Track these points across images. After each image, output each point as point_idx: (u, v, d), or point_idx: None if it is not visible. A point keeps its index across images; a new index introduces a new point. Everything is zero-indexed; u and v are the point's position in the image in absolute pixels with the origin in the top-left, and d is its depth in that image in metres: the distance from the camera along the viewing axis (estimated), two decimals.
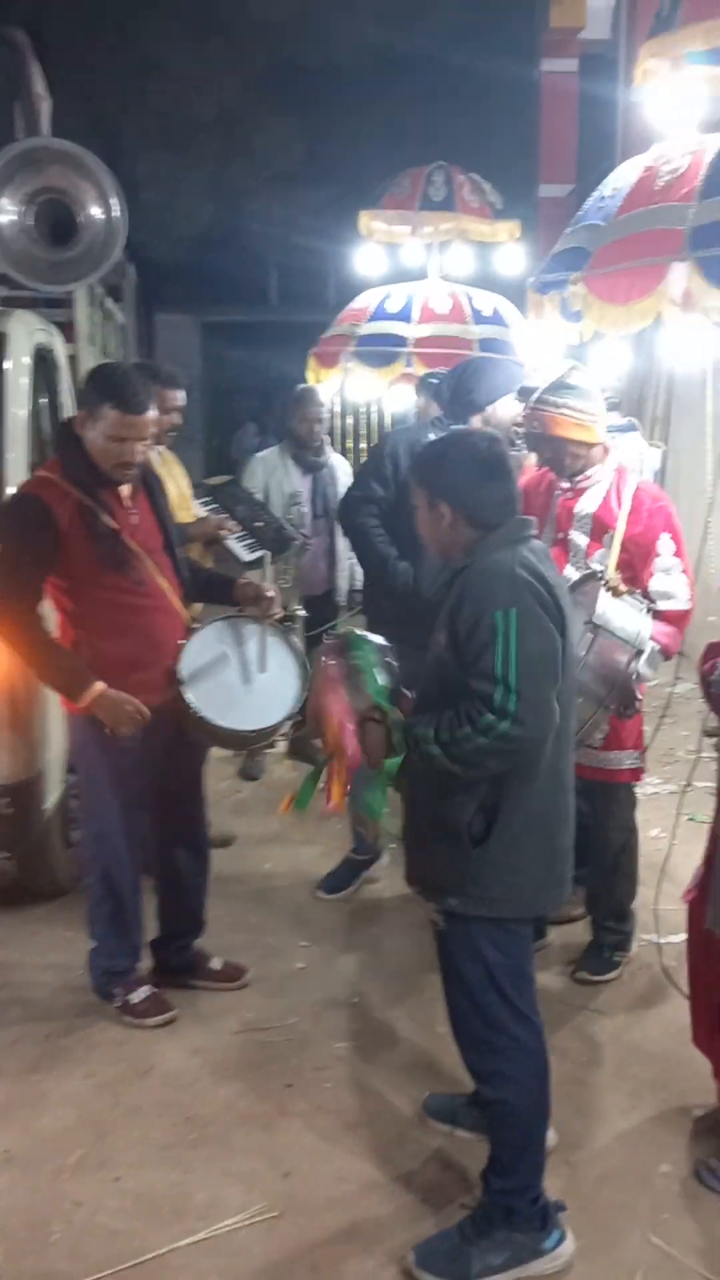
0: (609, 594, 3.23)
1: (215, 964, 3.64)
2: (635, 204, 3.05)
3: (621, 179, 3.19)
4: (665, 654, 3.34)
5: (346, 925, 4.07)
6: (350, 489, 4.22)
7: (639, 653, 3.20)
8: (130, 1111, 3.02)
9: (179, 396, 4.11)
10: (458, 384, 3.83)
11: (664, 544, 3.40)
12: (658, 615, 3.34)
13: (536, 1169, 2.52)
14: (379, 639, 2.54)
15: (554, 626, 2.29)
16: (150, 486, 3.31)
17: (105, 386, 3.06)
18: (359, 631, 2.54)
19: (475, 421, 3.70)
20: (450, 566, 2.45)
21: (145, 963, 3.56)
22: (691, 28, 3.01)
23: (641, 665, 3.26)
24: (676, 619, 3.38)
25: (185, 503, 4.73)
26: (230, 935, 3.85)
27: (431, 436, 3.91)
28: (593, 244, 3.12)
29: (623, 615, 3.21)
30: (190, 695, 3.18)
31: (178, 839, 3.54)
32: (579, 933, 3.88)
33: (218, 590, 3.50)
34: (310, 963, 3.79)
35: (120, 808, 3.31)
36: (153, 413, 3.10)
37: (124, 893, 3.38)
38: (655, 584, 3.39)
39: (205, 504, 4.70)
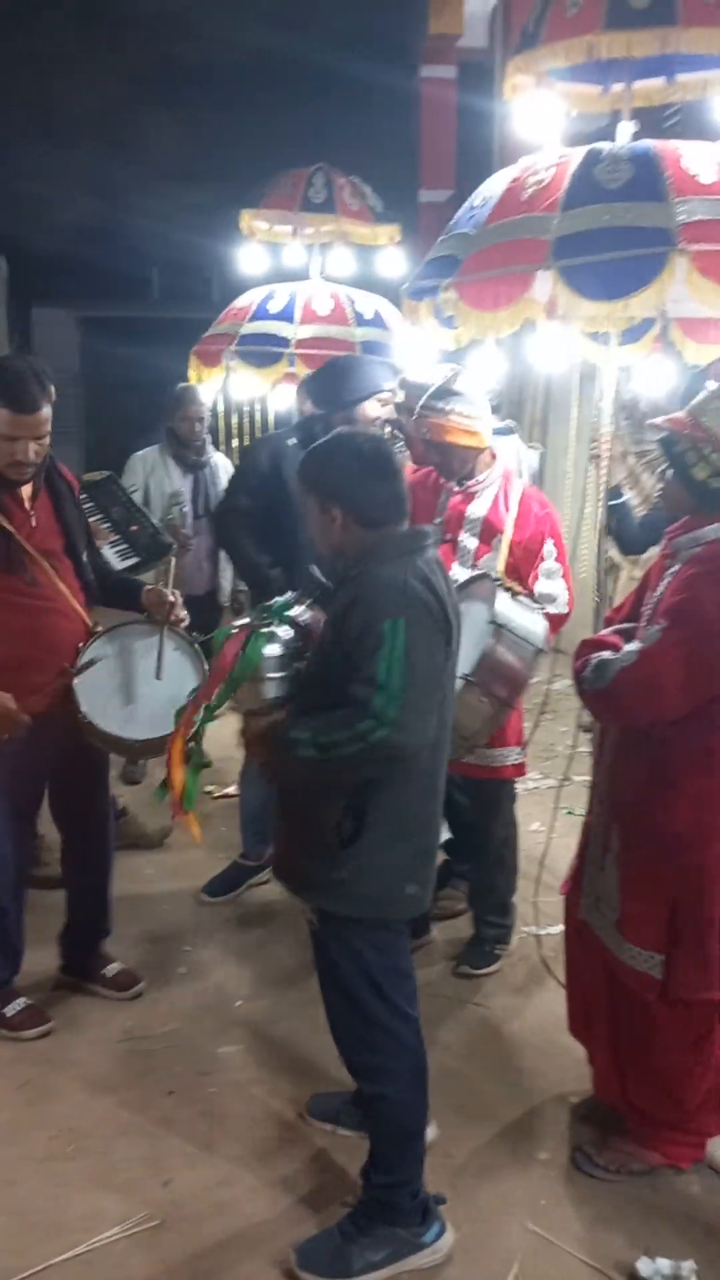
0: (507, 595, 3.29)
1: (110, 970, 3.59)
2: (503, 214, 3.11)
3: (490, 189, 3.26)
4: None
5: (231, 929, 4.05)
6: (220, 502, 4.28)
7: (539, 651, 3.27)
8: (6, 1126, 2.95)
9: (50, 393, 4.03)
10: (322, 382, 3.87)
11: (549, 549, 3.49)
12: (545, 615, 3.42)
13: (416, 1163, 2.55)
14: (282, 642, 2.47)
15: (441, 640, 2.32)
16: (55, 488, 3.25)
17: None
18: (267, 630, 2.48)
19: (338, 419, 3.74)
20: (342, 571, 2.44)
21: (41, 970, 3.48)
22: (554, 45, 3.09)
23: None
24: (556, 621, 3.46)
25: None
26: (111, 943, 3.79)
27: (291, 442, 3.98)
28: (463, 252, 3.17)
29: (522, 615, 3.28)
30: (81, 701, 3.13)
31: (82, 842, 3.50)
32: (462, 928, 3.94)
33: (125, 595, 3.45)
34: (193, 968, 3.76)
35: (3, 815, 3.23)
36: (46, 410, 3.04)
37: (4, 902, 3.30)
38: (540, 587, 3.47)
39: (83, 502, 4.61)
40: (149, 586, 3.42)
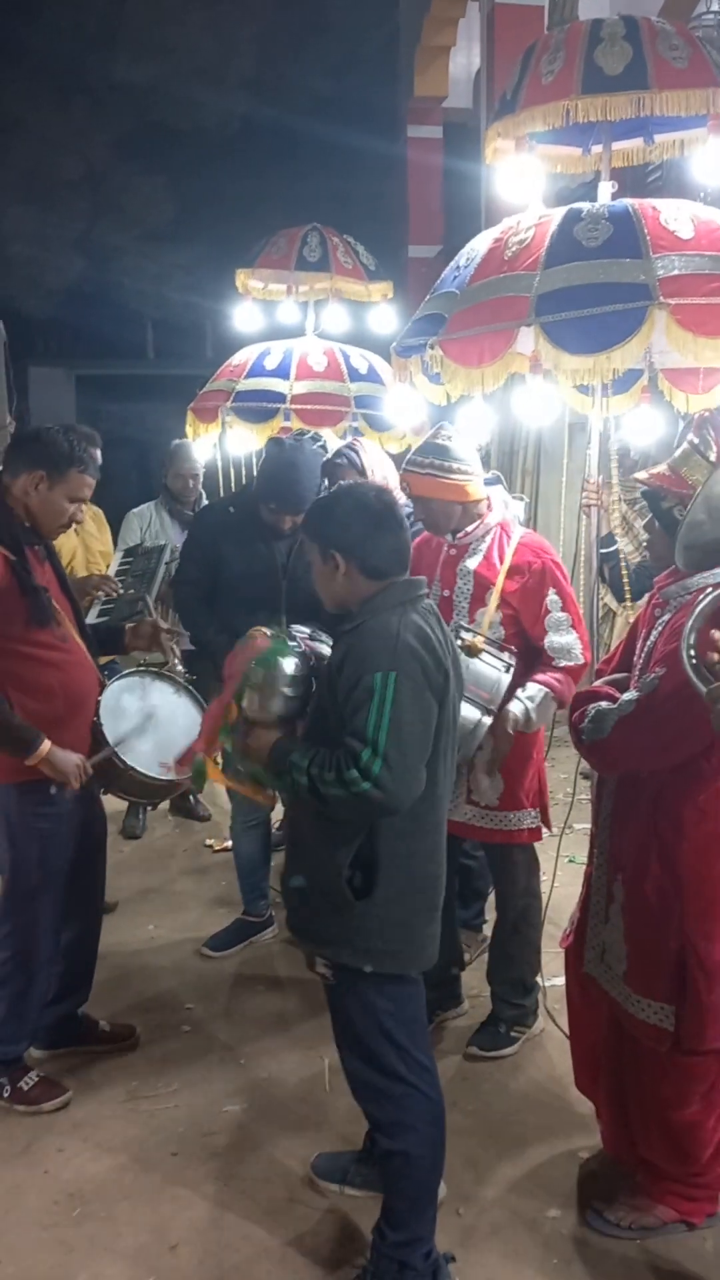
0: (464, 654, 3.21)
1: (105, 1026, 3.58)
2: (486, 273, 3.18)
3: (474, 249, 3.33)
4: (560, 702, 3.35)
5: (233, 983, 4.02)
6: (175, 573, 4.43)
7: (489, 713, 3.23)
8: (9, 1191, 2.91)
9: (97, 455, 4.32)
10: (264, 467, 4.05)
11: (551, 600, 3.39)
12: (561, 669, 3.37)
13: (429, 1221, 2.52)
14: (298, 657, 2.52)
15: (433, 693, 2.32)
16: (49, 548, 3.31)
17: (73, 453, 3.12)
18: (282, 641, 2.52)
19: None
20: (340, 626, 2.46)
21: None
22: (532, 110, 3.19)
23: (533, 712, 3.31)
24: (575, 672, 3.38)
25: (105, 558, 5.07)
26: (113, 1001, 3.77)
27: (231, 509, 4.13)
28: (448, 310, 3.24)
29: (477, 677, 3.23)
30: (122, 751, 3.16)
31: (79, 903, 3.44)
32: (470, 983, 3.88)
33: (109, 641, 3.53)
34: (196, 1025, 3.73)
35: (51, 880, 3.22)
36: None
37: (36, 973, 3.26)
38: (550, 641, 3.38)
39: (122, 562, 4.97)
40: (131, 624, 3.51)
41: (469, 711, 3.15)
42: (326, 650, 2.59)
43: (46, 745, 3.02)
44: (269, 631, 2.57)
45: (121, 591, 4.35)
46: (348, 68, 14.79)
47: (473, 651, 3.26)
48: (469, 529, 3.48)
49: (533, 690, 3.34)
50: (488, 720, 3.24)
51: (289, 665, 2.48)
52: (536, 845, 3.61)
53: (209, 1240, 2.73)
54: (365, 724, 2.23)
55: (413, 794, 2.30)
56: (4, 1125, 3.17)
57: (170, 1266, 2.64)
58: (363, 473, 4.12)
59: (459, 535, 3.50)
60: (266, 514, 3.93)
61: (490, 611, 3.39)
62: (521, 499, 3.71)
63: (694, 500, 2.43)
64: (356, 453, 4.14)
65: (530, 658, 3.43)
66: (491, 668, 3.29)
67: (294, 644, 2.54)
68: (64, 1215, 2.82)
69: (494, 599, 3.40)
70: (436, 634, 2.39)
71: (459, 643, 3.24)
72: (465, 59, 12.43)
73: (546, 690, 3.35)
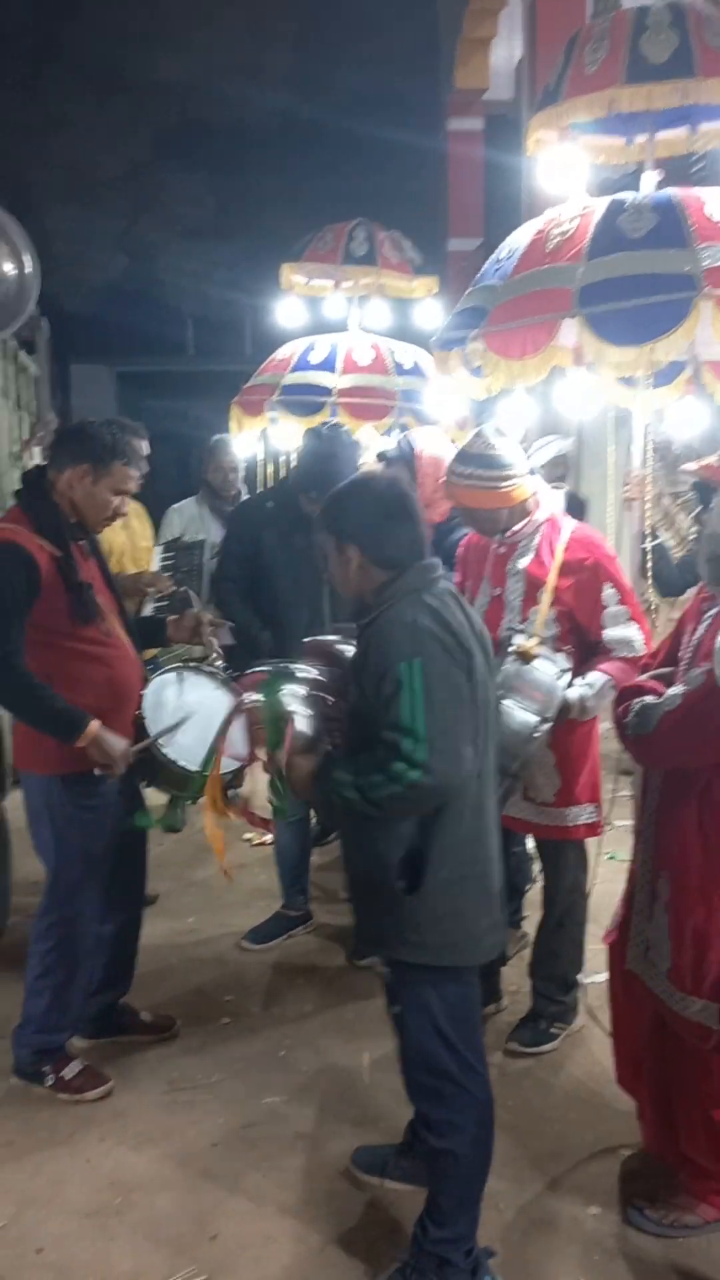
0: (518, 661, 3.19)
1: (146, 1016, 3.61)
2: (528, 265, 3.16)
3: (516, 242, 3.31)
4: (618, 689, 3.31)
5: (273, 976, 4.03)
6: (215, 570, 4.46)
7: (545, 721, 3.17)
8: (52, 1180, 2.94)
9: (144, 447, 4.35)
10: (304, 457, 4.08)
11: (608, 594, 3.33)
12: (622, 659, 3.31)
13: (473, 1220, 2.51)
14: (299, 686, 2.53)
15: (462, 672, 2.31)
16: (93, 542, 3.34)
17: (116, 445, 3.17)
18: (282, 671, 2.53)
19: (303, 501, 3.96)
20: (360, 619, 2.46)
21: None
22: (575, 100, 3.17)
23: (589, 699, 3.25)
24: (637, 664, 3.25)
25: (149, 554, 5.11)
26: (154, 992, 3.79)
27: (270, 504, 4.16)
28: (490, 303, 3.22)
29: (533, 682, 3.18)
30: (166, 747, 3.18)
31: (121, 895, 3.46)
32: (511, 979, 3.87)
33: (151, 634, 3.57)
34: (236, 1017, 3.75)
35: (94, 871, 3.25)
36: None
37: (79, 963, 3.28)
38: (608, 635, 3.34)
39: (164, 558, 5.00)
40: (173, 617, 3.55)
41: (525, 716, 3.12)
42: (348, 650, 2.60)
43: (95, 725, 3.03)
44: (264, 668, 2.59)
45: (175, 589, 4.37)
46: (387, 61, 14.74)
47: (527, 657, 3.20)
48: (517, 528, 3.42)
49: (592, 677, 3.28)
50: (546, 726, 3.17)
51: (295, 689, 2.49)
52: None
53: (247, 1231, 2.74)
54: (400, 715, 2.23)
55: (462, 774, 2.29)
56: (47, 1114, 3.21)
57: (210, 1256, 2.66)
58: (413, 470, 4.09)
59: (507, 534, 3.44)
60: (306, 504, 3.94)
61: (544, 610, 3.34)
62: (561, 488, 3.66)
63: (713, 512, 2.39)
64: (411, 445, 4.11)
65: (586, 652, 3.38)
66: (545, 673, 3.22)
67: (288, 669, 2.55)
68: (106, 1204, 2.84)
69: (546, 598, 3.34)
70: (456, 615, 2.37)
71: (512, 648, 3.20)
72: (507, 50, 12.33)
73: (608, 678, 3.28)
